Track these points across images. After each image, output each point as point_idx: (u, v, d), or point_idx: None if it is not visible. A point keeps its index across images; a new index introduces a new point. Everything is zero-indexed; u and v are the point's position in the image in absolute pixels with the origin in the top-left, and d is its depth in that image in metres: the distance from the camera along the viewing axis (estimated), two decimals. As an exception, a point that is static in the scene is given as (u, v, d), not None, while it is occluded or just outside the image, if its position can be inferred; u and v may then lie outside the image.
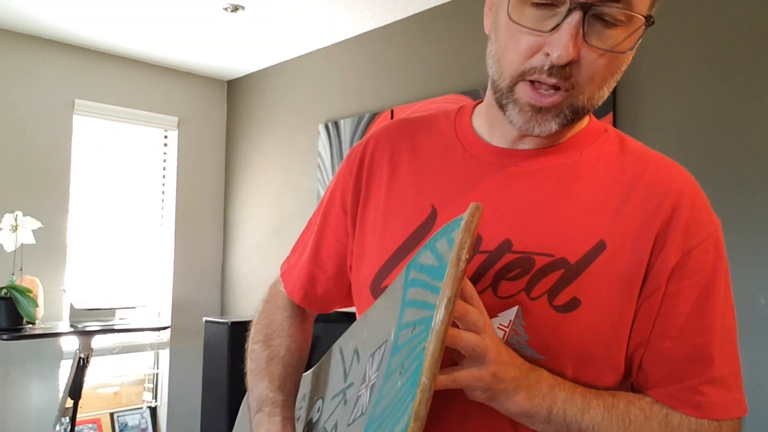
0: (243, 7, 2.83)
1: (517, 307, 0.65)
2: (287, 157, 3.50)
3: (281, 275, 0.91)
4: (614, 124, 2.13)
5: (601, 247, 0.65)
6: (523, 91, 0.63)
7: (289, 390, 0.79)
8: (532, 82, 0.63)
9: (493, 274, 0.67)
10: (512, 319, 0.65)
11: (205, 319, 3.12)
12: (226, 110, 3.99)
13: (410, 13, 2.88)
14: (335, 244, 0.83)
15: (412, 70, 2.88)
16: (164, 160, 3.74)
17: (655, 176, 0.68)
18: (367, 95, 3.07)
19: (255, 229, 3.67)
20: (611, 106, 2.15)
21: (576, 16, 0.59)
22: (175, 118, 3.73)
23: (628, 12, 0.60)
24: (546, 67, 0.61)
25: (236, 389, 2.92)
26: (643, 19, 0.61)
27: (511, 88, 0.64)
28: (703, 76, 1.98)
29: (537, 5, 0.61)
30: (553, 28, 0.60)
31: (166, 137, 3.74)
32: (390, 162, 0.78)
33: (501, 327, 0.66)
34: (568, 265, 0.65)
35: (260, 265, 3.62)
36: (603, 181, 0.69)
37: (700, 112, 1.98)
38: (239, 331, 2.97)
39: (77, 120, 3.33)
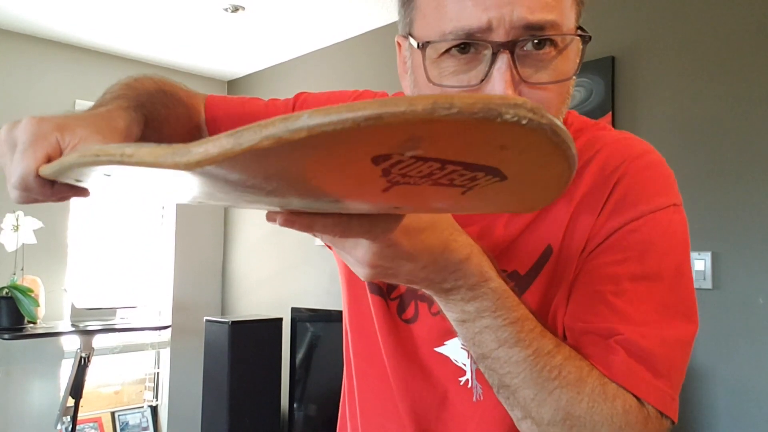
0: (243, 8, 2.83)
1: None
2: (287, 156, 3.50)
3: (207, 101, 0.79)
4: (613, 124, 2.14)
5: (548, 253, 0.61)
6: None
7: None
8: None
9: None
10: None
11: (205, 318, 3.13)
12: (226, 110, 4.00)
13: (410, 14, 2.88)
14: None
15: (412, 70, 2.88)
16: (165, 160, 3.74)
17: (607, 157, 0.61)
18: (367, 95, 3.08)
19: (255, 229, 3.67)
20: (610, 107, 2.16)
21: (504, 58, 0.51)
22: (176, 118, 3.73)
23: (559, 34, 0.53)
24: None
25: (237, 388, 2.93)
26: (577, 36, 0.54)
27: None
28: (702, 76, 1.99)
29: (455, 55, 0.53)
30: (483, 79, 0.52)
31: (166, 137, 3.74)
32: None
33: (463, 346, 0.65)
34: (519, 278, 0.62)
35: (260, 265, 3.62)
36: None
37: (699, 111, 1.99)
38: (240, 330, 2.98)
39: (78, 120, 3.34)
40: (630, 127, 2.12)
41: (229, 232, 3.88)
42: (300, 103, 0.77)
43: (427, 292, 0.52)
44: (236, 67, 3.74)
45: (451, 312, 0.53)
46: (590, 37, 0.55)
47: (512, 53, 0.51)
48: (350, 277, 0.75)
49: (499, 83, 0.51)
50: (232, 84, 3.96)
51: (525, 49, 0.52)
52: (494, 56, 0.51)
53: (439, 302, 0.53)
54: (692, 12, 2.02)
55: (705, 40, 1.99)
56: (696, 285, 1.95)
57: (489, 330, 0.52)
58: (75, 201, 3.25)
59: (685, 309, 0.58)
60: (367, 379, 0.74)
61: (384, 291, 0.70)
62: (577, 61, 0.55)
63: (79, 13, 2.92)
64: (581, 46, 0.55)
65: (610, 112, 2.16)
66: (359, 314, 0.75)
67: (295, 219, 0.40)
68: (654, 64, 2.10)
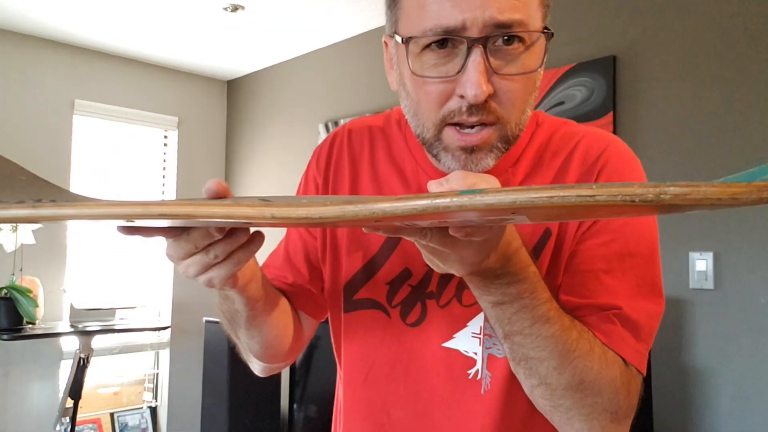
0: (243, 7, 2.82)
1: (483, 312, 0.68)
2: (287, 156, 3.50)
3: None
4: (614, 124, 2.13)
5: (547, 236, 0.67)
6: (450, 136, 0.63)
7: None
8: (455, 124, 0.62)
9: (455, 285, 0.70)
10: (482, 324, 0.68)
11: (205, 319, 3.12)
12: (225, 110, 3.99)
13: (410, 13, 2.88)
14: (302, 248, 0.82)
15: (412, 70, 2.88)
16: (164, 160, 3.74)
17: (587, 147, 0.70)
18: (367, 95, 3.07)
19: (255, 229, 3.66)
20: (611, 106, 2.15)
21: (478, 51, 0.58)
22: (175, 118, 3.72)
23: (525, 32, 0.60)
24: (464, 108, 0.60)
25: (236, 389, 2.92)
26: (542, 34, 0.61)
27: (438, 137, 0.64)
28: (704, 75, 1.98)
29: (435, 50, 0.60)
30: (460, 70, 0.59)
31: (166, 137, 3.74)
32: (351, 170, 0.78)
33: (474, 335, 0.69)
34: None
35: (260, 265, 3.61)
36: (540, 174, 0.71)
37: (700, 111, 1.98)
38: (239, 331, 2.97)
39: (77, 120, 3.33)
40: (631, 126, 2.11)
41: (229, 232, 3.87)
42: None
43: (475, 278, 0.56)
44: (236, 67, 3.73)
45: (490, 296, 0.58)
46: (553, 34, 0.62)
47: (485, 47, 0.58)
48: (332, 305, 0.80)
49: (473, 73, 0.58)
50: (232, 84, 3.96)
51: (496, 44, 0.60)
52: (469, 50, 0.58)
53: (479, 288, 0.58)
54: (693, 11, 2.02)
55: (706, 39, 1.98)
56: (698, 285, 1.96)
57: (526, 309, 0.58)
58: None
59: (657, 284, 0.68)
60: (355, 399, 0.77)
61: (383, 303, 0.74)
62: (542, 56, 0.62)
63: (78, 12, 2.91)
64: (546, 44, 0.62)
65: (612, 112, 2.15)
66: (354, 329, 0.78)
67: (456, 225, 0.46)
68: (655, 64, 2.09)
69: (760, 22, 1.88)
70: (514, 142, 0.64)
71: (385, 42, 0.71)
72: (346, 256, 0.77)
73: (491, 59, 0.59)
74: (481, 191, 0.36)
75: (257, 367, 0.82)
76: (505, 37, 0.59)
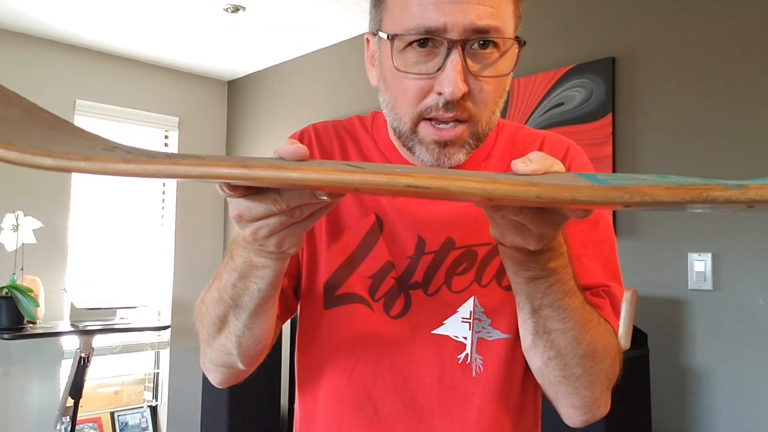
0: (243, 8, 2.83)
1: (472, 297, 0.72)
2: (287, 157, 3.50)
3: None
4: (613, 126, 2.14)
5: None
6: (425, 130, 0.67)
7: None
8: (431, 119, 0.66)
9: (444, 272, 0.73)
10: (471, 309, 0.72)
11: (205, 318, 3.12)
12: (226, 110, 4.00)
13: (410, 14, 2.88)
14: None
15: (412, 71, 2.88)
16: (165, 160, 3.74)
17: (551, 146, 0.77)
18: (367, 95, 3.08)
19: (255, 229, 3.67)
20: (610, 108, 2.16)
21: (457, 53, 0.63)
22: (176, 119, 3.73)
23: (500, 38, 0.65)
24: (441, 104, 0.64)
25: (237, 389, 2.92)
26: (514, 41, 0.66)
27: (414, 130, 0.68)
28: (703, 76, 1.99)
29: (416, 49, 0.65)
30: (439, 69, 0.64)
31: (166, 137, 3.74)
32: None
33: (464, 320, 0.73)
34: None
35: (260, 265, 3.61)
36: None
37: (700, 112, 1.99)
38: (239, 330, 2.97)
39: (78, 120, 3.33)
40: (630, 127, 2.12)
41: (229, 232, 3.88)
42: None
43: (523, 254, 0.58)
44: (236, 67, 3.74)
45: (530, 271, 0.60)
46: (525, 42, 0.67)
47: (463, 49, 0.63)
48: (308, 303, 0.78)
49: (451, 72, 0.62)
50: (232, 84, 3.97)
51: (473, 48, 0.64)
52: (449, 51, 0.63)
53: (521, 264, 0.59)
54: (693, 12, 2.02)
55: (705, 41, 1.99)
56: (696, 286, 1.96)
57: (559, 283, 0.61)
58: (74, 200, 3.25)
59: (618, 268, 0.75)
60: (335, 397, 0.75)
61: (365, 297, 0.74)
62: (514, 62, 0.67)
63: (79, 12, 2.92)
64: (518, 51, 0.67)
65: (611, 113, 2.15)
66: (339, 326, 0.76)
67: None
68: (654, 65, 2.10)
69: (760, 24, 1.88)
70: (483, 139, 0.69)
71: (367, 39, 0.75)
72: (325, 252, 0.76)
73: (468, 61, 0.64)
74: (744, 186, 0.36)
75: (221, 375, 0.75)
76: (482, 42, 0.64)
